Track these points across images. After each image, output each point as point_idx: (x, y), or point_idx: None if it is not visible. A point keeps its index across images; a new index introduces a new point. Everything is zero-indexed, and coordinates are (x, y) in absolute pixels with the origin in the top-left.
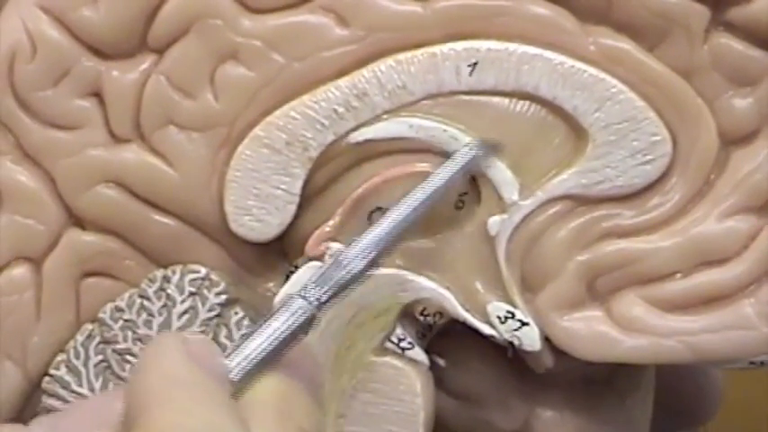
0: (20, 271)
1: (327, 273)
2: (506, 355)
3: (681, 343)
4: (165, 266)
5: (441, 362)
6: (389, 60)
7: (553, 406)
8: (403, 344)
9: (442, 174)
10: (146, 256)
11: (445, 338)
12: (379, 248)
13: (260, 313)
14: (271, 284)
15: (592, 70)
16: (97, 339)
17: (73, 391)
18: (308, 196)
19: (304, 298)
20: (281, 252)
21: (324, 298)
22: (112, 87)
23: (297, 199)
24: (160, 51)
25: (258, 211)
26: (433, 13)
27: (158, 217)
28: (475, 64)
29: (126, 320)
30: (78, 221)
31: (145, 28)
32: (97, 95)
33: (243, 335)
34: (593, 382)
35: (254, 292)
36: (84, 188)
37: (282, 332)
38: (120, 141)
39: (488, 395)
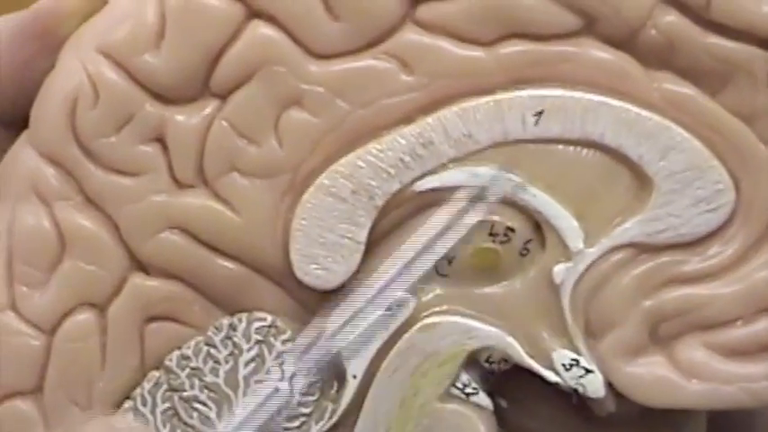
0: (84, 317)
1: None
2: (568, 397)
3: (741, 389)
4: (229, 310)
5: (503, 403)
6: (454, 108)
7: None
8: (467, 390)
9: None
10: (209, 301)
11: (507, 379)
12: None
13: None
14: None
15: (656, 118)
16: (164, 387)
17: None
18: (372, 242)
19: None
20: None
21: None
22: (176, 133)
23: (362, 247)
24: (223, 97)
25: (324, 259)
26: (496, 58)
27: (222, 262)
28: (540, 113)
29: (193, 368)
30: (142, 267)
31: (207, 73)
32: (160, 141)
33: None
34: (650, 416)
35: None
36: (148, 234)
37: None
38: (183, 187)
39: None
